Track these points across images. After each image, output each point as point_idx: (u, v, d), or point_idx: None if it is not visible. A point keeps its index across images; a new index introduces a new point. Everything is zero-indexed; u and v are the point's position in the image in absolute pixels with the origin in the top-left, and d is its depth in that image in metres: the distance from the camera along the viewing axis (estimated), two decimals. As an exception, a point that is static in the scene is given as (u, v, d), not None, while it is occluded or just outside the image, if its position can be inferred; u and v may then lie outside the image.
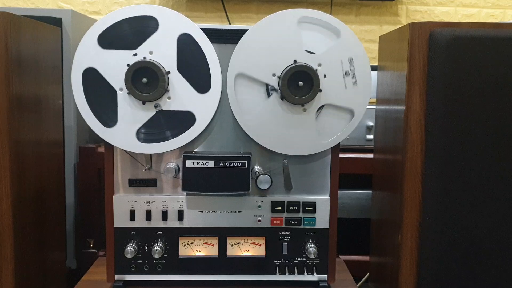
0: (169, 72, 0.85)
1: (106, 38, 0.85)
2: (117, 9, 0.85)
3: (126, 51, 0.85)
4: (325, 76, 0.86)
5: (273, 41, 0.86)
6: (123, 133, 0.86)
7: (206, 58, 0.86)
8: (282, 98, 0.86)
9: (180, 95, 0.86)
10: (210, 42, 0.86)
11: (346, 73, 0.87)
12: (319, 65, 0.86)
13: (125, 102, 0.85)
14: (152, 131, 0.87)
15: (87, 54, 0.85)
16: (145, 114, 0.86)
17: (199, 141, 0.91)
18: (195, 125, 0.87)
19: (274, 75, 0.86)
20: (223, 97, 0.88)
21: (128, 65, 0.83)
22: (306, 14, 0.86)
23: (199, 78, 0.86)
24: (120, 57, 0.84)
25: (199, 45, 0.86)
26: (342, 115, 0.89)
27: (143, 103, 0.85)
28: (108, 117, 0.86)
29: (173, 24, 0.85)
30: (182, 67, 0.86)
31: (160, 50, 0.85)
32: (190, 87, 0.86)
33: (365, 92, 0.88)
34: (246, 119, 0.88)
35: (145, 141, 0.87)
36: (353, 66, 0.87)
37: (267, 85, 0.87)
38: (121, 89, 0.85)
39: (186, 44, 0.85)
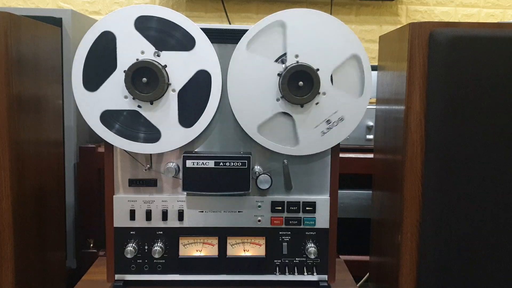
0: (172, 87, 0.85)
1: (143, 23, 0.85)
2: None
3: (151, 46, 0.85)
4: (317, 103, 0.87)
5: (320, 40, 0.86)
6: (93, 103, 0.85)
7: (209, 98, 0.86)
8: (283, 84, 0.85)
9: (164, 113, 0.86)
10: (221, 84, 0.86)
11: (328, 121, 0.87)
12: (324, 93, 0.86)
13: (115, 81, 0.85)
14: (116, 120, 0.86)
15: (117, 22, 0.84)
16: (124, 103, 0.86)
17: (199, 141, 0.91)
18: (158, 142, 0.87)
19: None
20: (223, 97, 0.88)
21: (139, 58, 0.84)
22: (360, 55, 0.86)
23: (190, 113, 0.86)
24: (142, 46, 0.85)
25: (211, 84, 0.86)
26: (290, 139, 0.89)
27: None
28: (93, 81, 0.85)
29: (204, 56, 0.85)
30: (183, 94, 0.86)
31: (177, 66, 0.85)
32: (176, 116, 0.86)
33: (321, 146, 0.89)
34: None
35: (117, 133, 0.87)
36: (338, 124, 0.87)
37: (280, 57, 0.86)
38: (121, 70, 0.84)
39: (200, 79, 0.86)
